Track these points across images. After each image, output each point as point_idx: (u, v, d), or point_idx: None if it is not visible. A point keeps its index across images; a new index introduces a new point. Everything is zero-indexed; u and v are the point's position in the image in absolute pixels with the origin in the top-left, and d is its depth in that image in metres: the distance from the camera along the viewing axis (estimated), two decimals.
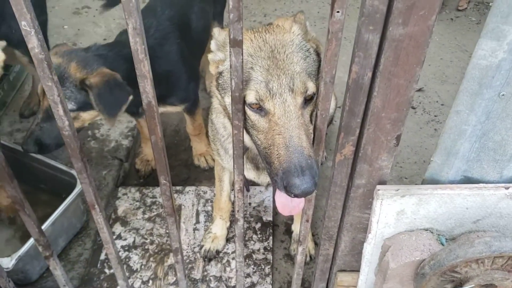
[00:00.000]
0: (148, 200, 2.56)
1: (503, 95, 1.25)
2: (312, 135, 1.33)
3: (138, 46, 1.08)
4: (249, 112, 1.33)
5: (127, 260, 2.29)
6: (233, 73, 1.15)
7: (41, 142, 2.00)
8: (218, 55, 1.42)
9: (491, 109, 1.29)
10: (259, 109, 1.31)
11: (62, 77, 1.85)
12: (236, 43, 1.09)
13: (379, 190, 1.42)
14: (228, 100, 1.39)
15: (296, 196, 1.26)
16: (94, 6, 3.74)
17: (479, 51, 1.19)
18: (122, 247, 2.35)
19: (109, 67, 1.95)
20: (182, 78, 2.31)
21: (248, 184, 1.76)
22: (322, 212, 1.66)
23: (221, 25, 2.81)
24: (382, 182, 1.44)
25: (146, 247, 2.35)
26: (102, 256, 2.30)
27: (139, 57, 1.11)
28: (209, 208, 2.54)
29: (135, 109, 2.25)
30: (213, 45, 1.43)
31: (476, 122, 1.33)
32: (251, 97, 1.29)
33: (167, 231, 2.42)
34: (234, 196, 1.51)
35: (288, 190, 1.25)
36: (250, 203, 2.56)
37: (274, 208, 2.51)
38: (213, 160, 2.80)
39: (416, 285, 1.48)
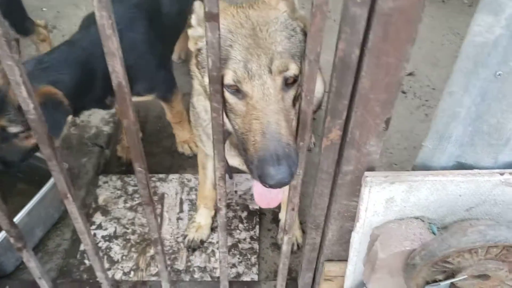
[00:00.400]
0: (130, 189, 2.47)
1: (499, 74, 1.17)
2: (295, 121, 1.25)
3: (104, 21, 0.98)
4: (227, 94, 1.24)
5: (107, 250, 2.21)
6: (209, 50, 1.05)
7: (4, 160, 1.93)
8: (198, 31, 1.32)
9: (486, 89, 1.21)
10: (237, 91, 1.22)
11: (2, 101, 1.77)
12: (211, 17, 1.00)
13: (367, 176, 1.34)
14: (207, 80, 1.29)
15: (271, 186, 1.19)
16: None
17: (474, 27, 1.11)
18: (103, 237, 2.26)
19: (53, 80, 1.86)
20: (149, 67, 2.21)
21: (231, 171, 1.68)
22: (310, 200, 1.58)
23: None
24: (371, 169, 1.37)
25: (127, 237, 2.27)
26: (82, 247, 2.21)
27: (106, 33, 1.01)
28: (194, 196, 2.45)
29: (102, 104, 2.18)
30: (193, 19, 1.33)
31: (471, 104, 1.25)
32: (228, 78, 1.20)
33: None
34: (216, 184, 1.43)
35: (263, 180, 1.17)
36: (236, 191, 2.48)
37: None
38: (197, 147, 2.72)
39: (406, 276, 1.42)
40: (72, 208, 1.50)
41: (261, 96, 1.18)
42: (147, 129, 2.85)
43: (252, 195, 2.46)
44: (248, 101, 1.20)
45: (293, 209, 1.49)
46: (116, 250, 2.21)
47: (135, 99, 2.29)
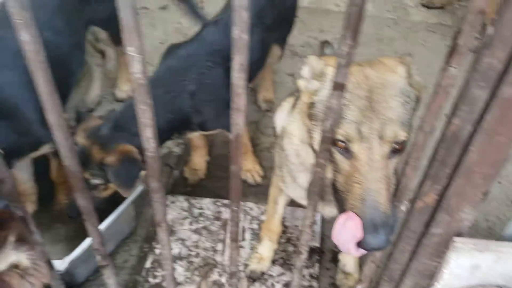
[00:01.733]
0: (195, 211, 2.56)
1: None
2: (394, 186, 1.29)
3: (241, 82, 1.06)
4: (333, 149, 1.29)
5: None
6: (329, 114, 1.12)
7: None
8: (312, 84, 1.36)
9: None
10: (345, 149, 1.27)
11: (87, 159, 2.02)
12: (339, 87, 1.06)
13: (456, 242, 1.37)
14: (317, 134, 1.34)
15: (364, 250, 1.24)
16: (152, 7, 3.77)
17: None
18: None
19: (128, 140, 2.04)
20: (223, 106, 2.30)
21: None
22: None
23: (283, 48, 2.77)
24: (460, 234, 1.39)
25: (191, 259, 2.34)
26: (147, 264, 2.31)
27: (238, 91, 1.09)
28: (255, 226, 2.51)
29: (178, 135, 2.34)
30: (306, 72, 1.38)
31: None
32: (339, 136, 1.25)
33: (213, 245, 2.41)
34: (300, 229, 1.48)
35: (358, 244, 1.22)
36: (296, 225, 2.53)
37: (322, 233, 2.47)
38: (260, 177, 2.78)
39: None
40: (164, 236, 1.58)
41: (367, 160, 1.22)
42: (214, 152, 2.94)
43: (313, 231, 2.50)
44: (353, 162, 1.25)
45: (373, 262, 1.53)
46: (180, 271, 2.29)
47: (205, 133, 2.40)
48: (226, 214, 2.55)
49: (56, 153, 2.22)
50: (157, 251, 2.37)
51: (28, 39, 1.02)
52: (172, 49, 2.35)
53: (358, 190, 1.23)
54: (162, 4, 3.81)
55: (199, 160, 2.76)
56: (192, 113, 2.23)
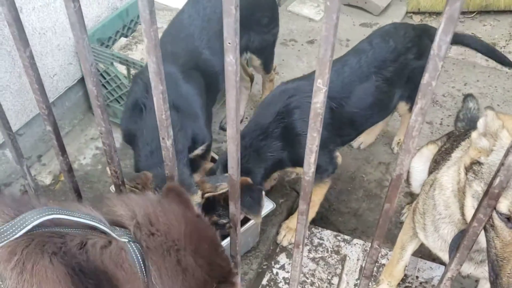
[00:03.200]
0: (315, 240, 2.60)
1: None
2: None
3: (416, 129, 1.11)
4: (495, 215, 1.27)
5: None
6: (502, 171, 1.11)
7: None
8: (482, 142, 1.37)
9: None
10: (507, 218, 1.25)
11: (213, 203, 2.12)
12: None
13: None
14: (475, 186, 1.33)
15: None
16: (300, 40, 3.96)
17: None
18: (284, 278, 2.42)
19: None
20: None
21: None
22: None
23: (409, 105, 2.71)
24: None
25: (305, 286, 2.38)
26: (264, 281, 2.39)
27: (413, 133, 1.14)
28: (374, 268, 2.48)
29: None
30: (481, 125, 1.37)
31: None
32: (504, 206, 1.23)
33: (329, 278, 2.43)
34: (439, 282, 1.46)
35: None
36: (417, 277, 2.45)
37: None
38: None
39: None
40: (298, 257, 1.65)
41: None
42: (338, 186, 2.98)
43: (433, 286, 2.40)
44: None
45: None
46: None
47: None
48: (344, 250, 2.56)
49: (203, 155, 2.42)
50: (274, 270, 2.45)
51: (230, 61, 1.17)
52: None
53: None
54: (310, 39, 3.99)
55: None
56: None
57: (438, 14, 4.38)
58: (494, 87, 3.69)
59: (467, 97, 3.15)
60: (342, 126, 2.41)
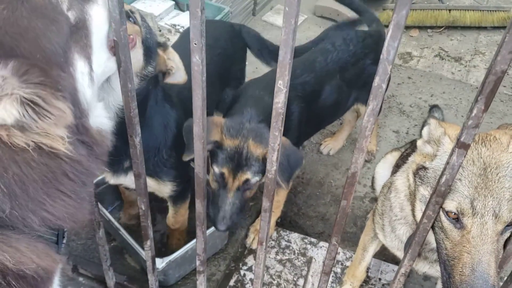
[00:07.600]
0: (283, 243, 2.66)
1: None
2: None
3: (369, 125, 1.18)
4: (443, 217, 1.35)
5: None
6: (447, 170, 1.19)
7: (233, 221, 2.07)
8: (426, 148, 1.46)
9: None
10: (455, 219, 1.33)
11: (246, 157, 1.92)
12: (463, 146, 1.13)
13: None
14: (422, 190, 1.42)
15: None
16: None
17: None
18: (251, 280, 2.46)
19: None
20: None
21: None
22: None
23: (363, 107, 2.85)
24: None
25: (271, 287, 2.43)
26: (231, 283, 2.43)
27: (366, 133, 1.21)
28: (338, 270, 2.55)
29: None
30: (425, 133, 1.47)
31: None
32: (451, 206, 1.31)
33: (295, 279, 2.49)
34: (394, 278, 1.53)
35: None
36: (379, 279, 2.53)
37: None
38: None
39: None
40: (261, 255, 1.70)
41: (479, 234, 1.27)
42: (307, 191, 3.06)
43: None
44: (463, 233, 1.30)
45: None
46: None
47: None
48: (311, 251, 2.62)
49: None
50: (242, 272, 2.49)
51: (196, 61, 1.23)
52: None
53: (468, 259, 1.27)
54: None
55: None
56: None
57: (407, 27, 4.53)
58: (459, 99, 3.84)
59: (433, 108, 3.28)
60: (308, 123, 2.49)
